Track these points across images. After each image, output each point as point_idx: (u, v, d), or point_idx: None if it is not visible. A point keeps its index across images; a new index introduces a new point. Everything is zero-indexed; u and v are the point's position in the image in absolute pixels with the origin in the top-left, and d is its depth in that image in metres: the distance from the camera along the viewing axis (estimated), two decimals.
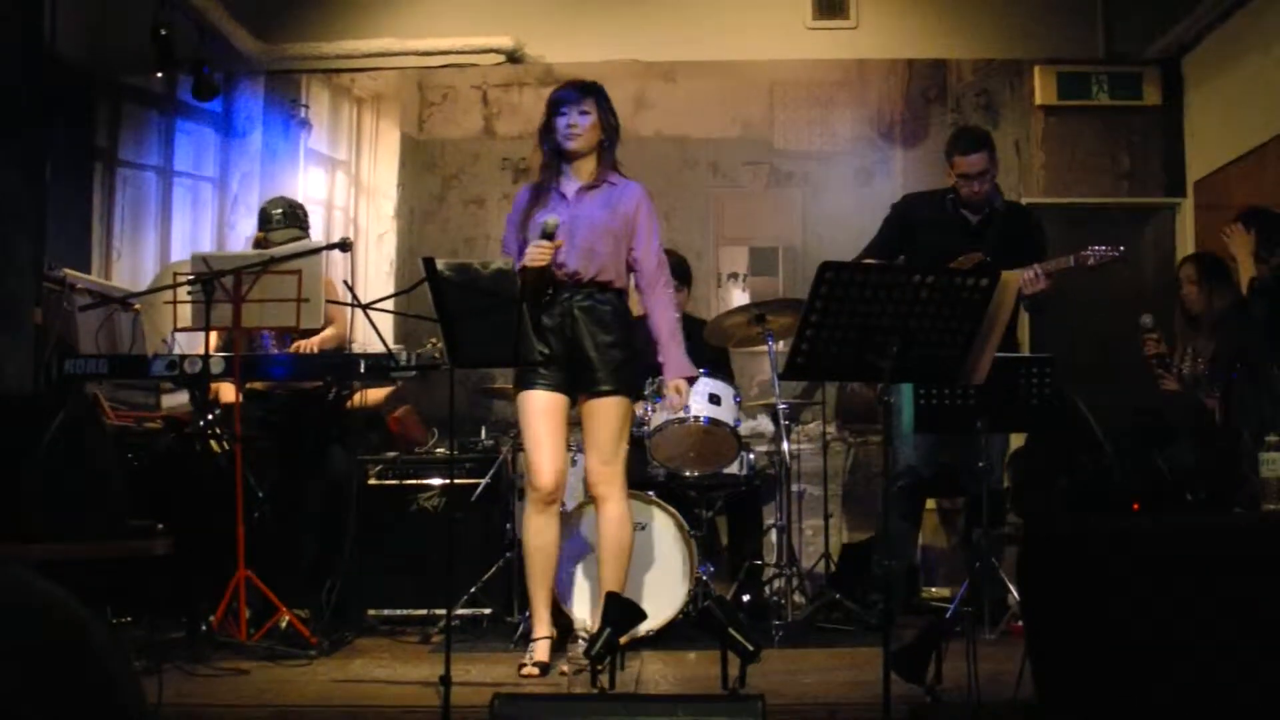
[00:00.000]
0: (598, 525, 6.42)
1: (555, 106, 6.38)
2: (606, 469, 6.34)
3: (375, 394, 8.37)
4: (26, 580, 1.93)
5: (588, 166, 6.40)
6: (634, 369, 6.51)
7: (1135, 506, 5.13)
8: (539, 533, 6.33)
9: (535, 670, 6.11)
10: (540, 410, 6.28)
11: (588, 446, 6.38)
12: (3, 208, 7.12)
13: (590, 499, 6.52)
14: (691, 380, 6.58)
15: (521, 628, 6.96)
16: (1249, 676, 3.93)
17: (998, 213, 7.74)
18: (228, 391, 7.38)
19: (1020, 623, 6.75)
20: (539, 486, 6.29)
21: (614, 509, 6.36)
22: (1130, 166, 9.81)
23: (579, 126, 6.30)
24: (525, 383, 6.33)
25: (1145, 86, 9.88)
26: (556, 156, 6.41)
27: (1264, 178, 8.46)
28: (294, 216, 7.98)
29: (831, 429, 8.93)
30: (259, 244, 7.82)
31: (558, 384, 6.31)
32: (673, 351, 6.41)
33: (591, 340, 6.27)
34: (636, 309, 6.54)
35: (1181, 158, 9.90)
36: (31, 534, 5.05)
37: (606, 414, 6.30)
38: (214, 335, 7.09)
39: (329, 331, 7.69)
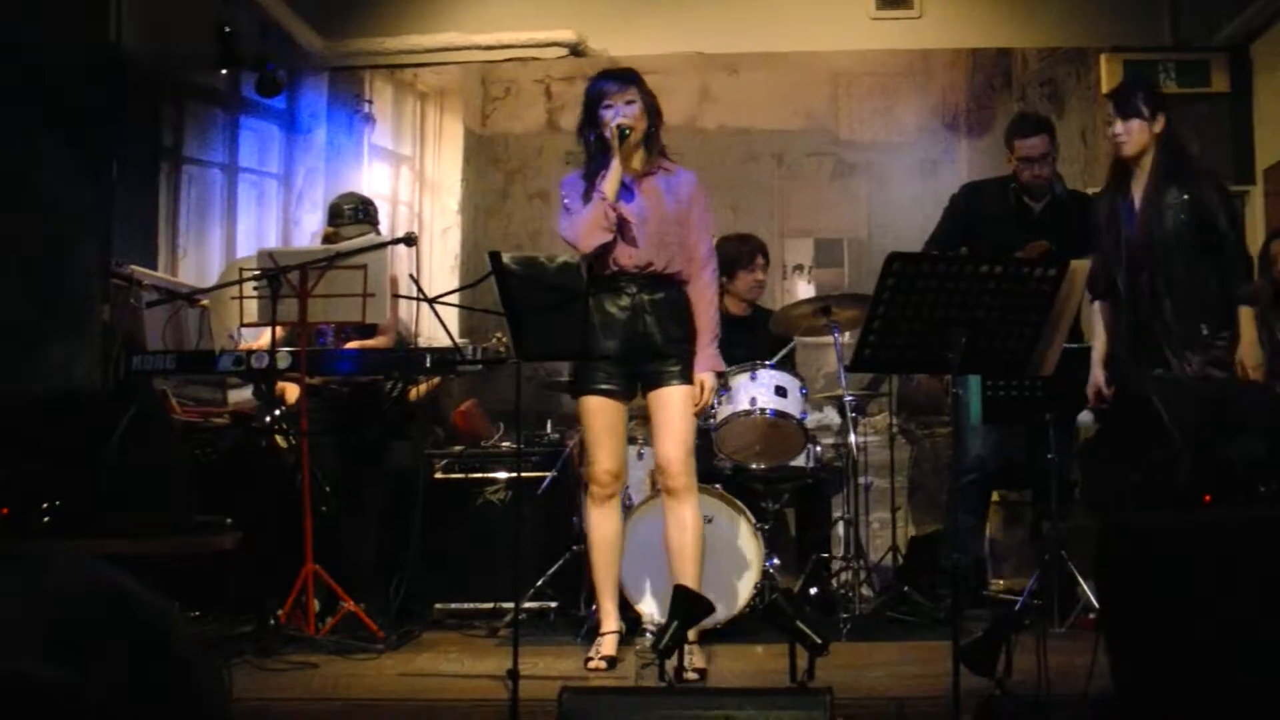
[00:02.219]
0: (668, 520, 6.28)
1: (598, 100, 6.26)
2: (685, 459, 6.21)
3: (421, 387, 8.36)
4: (110, 576, 1.94)
5: (638, 155, 6.29)
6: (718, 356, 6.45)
7: (1206, 499, 5.06)
8: (600, 525, 6.30)
9: (603, 664, 6.09)
10: (599, 412, 6.24)
11: (662, 436, 6.25)
12: (70, 207, 7.16)
13: (657, 493, 6.49)
14: (721, 375, 6.50)
15: (588, 622, 6.94)
16: None
17: (1060, 201, 7.70)
18: (291, 390, 7.40)
19: (1091, 616, 6.73)
20: (598, 479, 6.25)
21: (690, 504, 6.24)
22: (1198, 155, 9.73)
23: (630, 117, 6.19)
24: (585, 387, 6.25)
25: (1213, 73, 9.78)
26: (604, 150, 6.28)
27: None
28: (365, 212, 8.00)
29: (897, 421, 8.89)
30: (328, 239, 7.84)
31: (619, 388, 6.24)
32: (707, 346, 6.32)
33: (663, 335, 6.20)
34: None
35: (1251, 145, 9.79)
36: (102, 531, 5.07)
37: (681, 401, 6.21)
38: (277, 330, 7.11)
39: (378, 341, 7.69)
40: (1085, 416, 7.67)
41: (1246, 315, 6.13)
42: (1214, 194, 6.33)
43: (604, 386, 6.21)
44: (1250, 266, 6.43)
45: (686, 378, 6.25)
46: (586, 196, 6.22)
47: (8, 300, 6.76)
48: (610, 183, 6.10)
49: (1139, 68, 9.74)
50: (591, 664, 6.10)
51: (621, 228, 6.15)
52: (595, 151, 6.31)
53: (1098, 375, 6.79)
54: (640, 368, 6.24)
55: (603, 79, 6.36)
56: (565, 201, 6.35)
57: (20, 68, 6.71)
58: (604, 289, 6.21)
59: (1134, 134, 6.40)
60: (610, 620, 6.30)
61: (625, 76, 6.32)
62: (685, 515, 6.21)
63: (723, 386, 7.10)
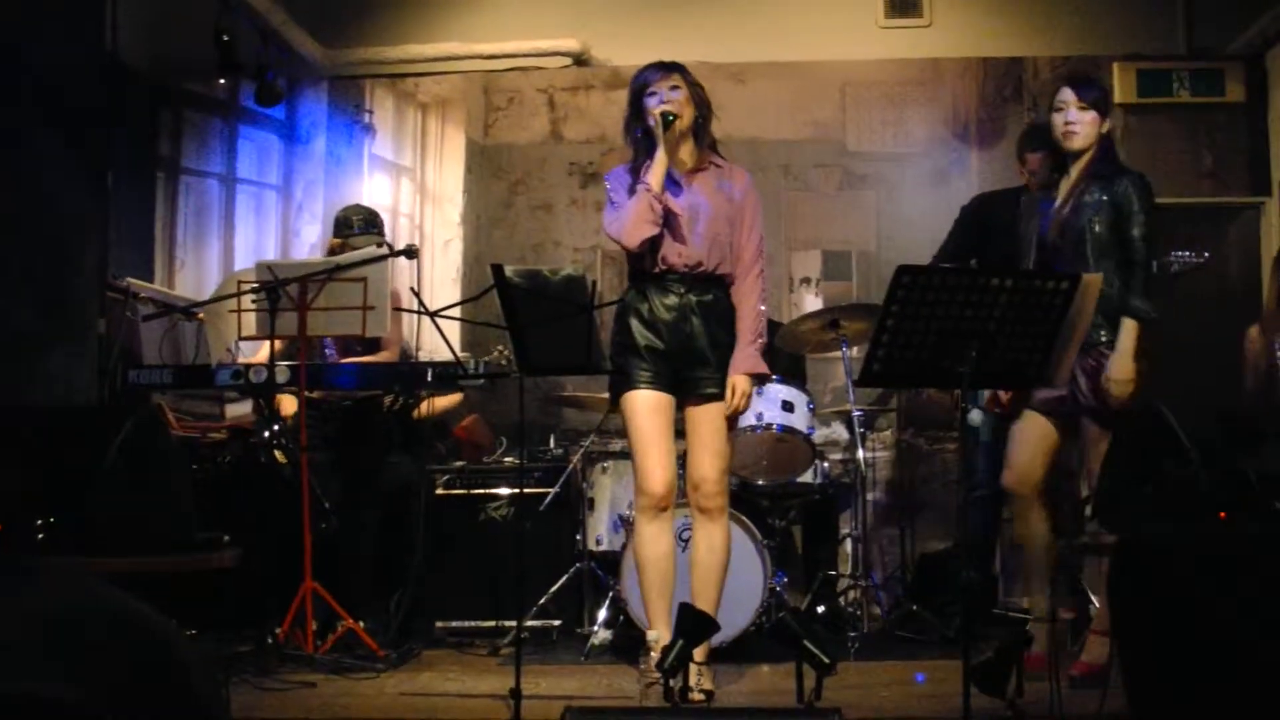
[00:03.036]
0: (697, 539, 6.07)
1: (642, 91, 6.06)
2: (721, 478, 6.01)
3: (443, 402, 8.29)
4: (108, 593, 1.96)
5: (686, 148, 6.08)
6: None
7: (1222, 515, 4.98)
8: (653, 541, 6.01)
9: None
10: (650, 410, 5.97)
11: (700, 453, 6.02)
12: (66, 217, 7.09)
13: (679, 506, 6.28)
14: (760, 380, 6.21)
15: (592, 641, 6.97)
16: None
17: None
18: (288, 403, 7.35)
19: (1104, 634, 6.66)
20: (650, 491, 5.96)
21: (722, 525, 6.03)
22: (1213, 165, 9.62)
23: (674, 102, 5.96)
24: (629, 383, 5.99)
25: (1228, 83, 9.71)
26: (650, 143, 6.06)
27: None
28: (373, 224, 7.93)
29: (905, 436, 8.81)
30: (334, 250, 7.76)
31: (665, 383, 5.99)
32: (747, 347, 6.05)
33: (710, 339, 5.99)
34: None
35: (1266, 156, 9.71)
36: (99, 547, 5.01)
37: (722, 417, 6.02)
38: (276, 344, 7.05)
39: (382, 356, 7.62)
40: (975, 415, 7.64)
41: (1130, 327, 5.98)
42: (1135, 201, 6.20)
43: (648, 383, 5.97)
44: (1149, 279, 6.29)
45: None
46: (632, 191, 6.02)
47: (7, 307, 6.69)
48: (656, 172, 5.91)
49: (1153, 77, 9.67)
50: (648, 683, 5.78)
51: (669, 223, 5.95)
52: (642, 147, 6.11)
53: None
54: (684, 372, 6.00)
55: (646, 69, 6.14)
56: (611, 195, 6.14)
57: (17, 67, 6.64)
58: (651, 287, 6.04)
59: (1087, 126, 6.29)
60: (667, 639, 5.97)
61: (669, 65, 6.11)
62: (716, 536, 6.03)
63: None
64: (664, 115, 5.90)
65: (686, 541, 6.46)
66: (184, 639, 2.00)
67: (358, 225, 7.86)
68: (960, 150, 9.88)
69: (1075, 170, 6.29)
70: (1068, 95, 6.30)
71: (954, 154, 9.93)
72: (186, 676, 2.00)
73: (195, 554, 5.55)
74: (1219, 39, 9.79)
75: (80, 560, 4.90)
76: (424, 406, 7.96)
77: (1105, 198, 6.15)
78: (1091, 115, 6.26)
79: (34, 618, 1.86)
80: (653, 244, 5.95)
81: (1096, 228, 6.11)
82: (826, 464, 7.70)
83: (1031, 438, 6.26)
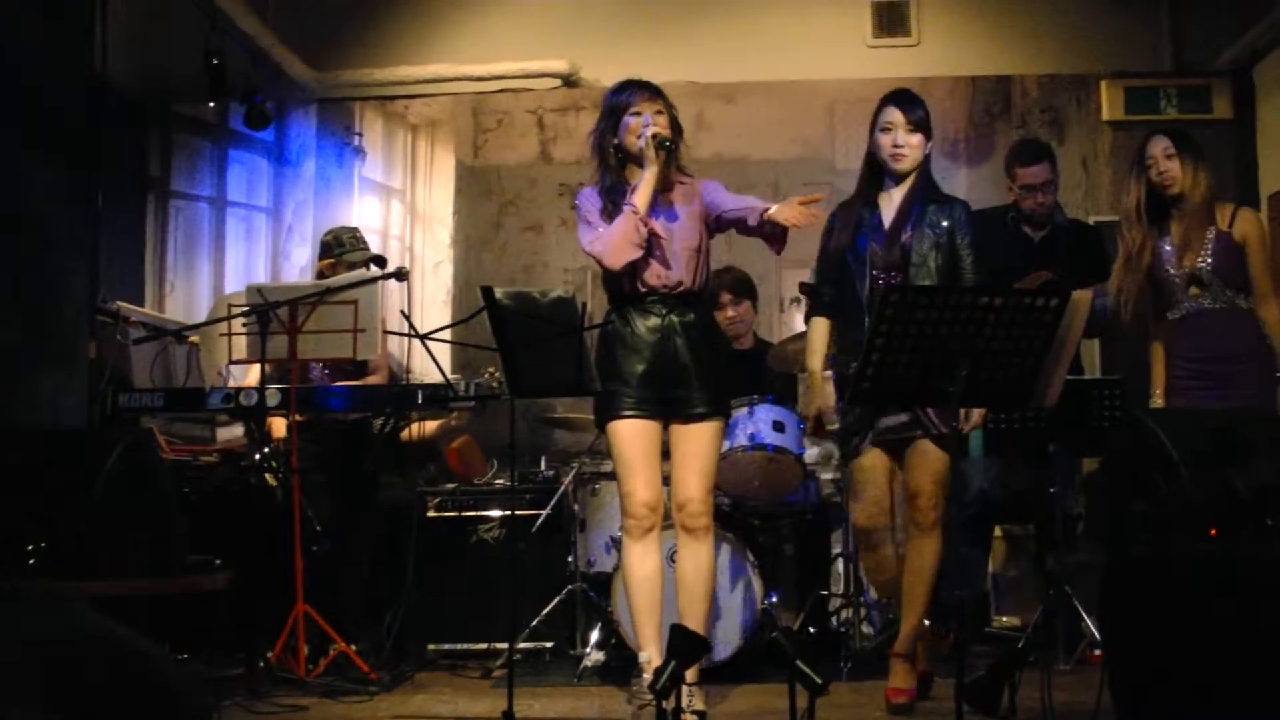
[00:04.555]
0: (682, 558, 6.06)
1: (623, 109, 6.06)
2: (706, 498, 6.00)
3: (429, 425, 8.28)
4: (90, 618, 1.96)
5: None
6: (728, 389, 6.27)
7: (1213, 532, 4.98)
8: (640, 563, 6.00)
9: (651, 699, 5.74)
10: (633, 436, 5.97)
11: (685, 473, 6.02)
12: (56, 240, 7.08)
13: (666, 527, 6.28)
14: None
15: (584, 663, 7.00)
16: None
17: (1061, 230, 7.64)
18: (278, 426, 7.35)
19: (1096, 651, 6.66)
20: (635, 513, 5.97)
21: (708, 544, 6.03)
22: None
23: (663, 128, 5.97)
24: (613, 411, 5.99)
25: (1215, 99, 9.72)
26: (623, 162, 6.10)
27: None
28: (361, 241, 7.97)
29: None
30: (324, 273, 7.78)
31: (650, 410, 5.98)
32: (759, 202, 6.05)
33: (694, 358, 5.98)
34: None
35: (1254, 171, 9.72)
36: (92, 571, 5.01)
37: (709, 438, 6.02)
38: (267, 367, 7.05)
39: (370, 380, 7.64)
40: (814, 451, 7.63)
41: None
42: (968, 229, 6.22)
43: (633, 411, 5.98)
44: None
45: (714, 411, 6.05)
46: (607, 211, 6.03)
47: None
48: (643, 195, 5.88)
49: (1140, 94, 9.69)
50: (640, 706, 5.72)
51: (650, 245, 5.95)
52: (614, 164, 6.11)
53: (828, 395, 6.54)
54: (668, 393, 5.99)
55: (629, 86, 6.14)
56: (585, 216, 6.12)
57: (6, 88, 6.64)
58: (632, 310, 6.04)
59: (914, 149, 6.28)
60: (658, 660, 5.76)
61: (652, 87, 6.12)
62: (702, 555, 6.01)
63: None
64: (660, 140, 5.89)
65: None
66: (172, 663, 2.00)
67: (348, 242, 7.90)
68: (949, 168, 9.87)
69: (900, 193, 6.28)
70: (896, 116, 6.27)
71: (942, 172, 9.86)
72: (174, 700, 1.99)
73: (186, 577, 5.56)
74: (1205, 55, 9.81)
75: (71, 584, 4.90)
76: (412, 430, 7.96)
77: (946, 224, 6.16)
78: (919, 138, 6.26)
79: (15, 642, 1.86)
80: (633, 266, 5.94)
81: (937, 254, 6.12)
82: (817, 483, 7.68)
83: (881, 473, 6.23)
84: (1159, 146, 6.63)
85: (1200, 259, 6.49)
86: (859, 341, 5.53)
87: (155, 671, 1.99)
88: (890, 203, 6.27)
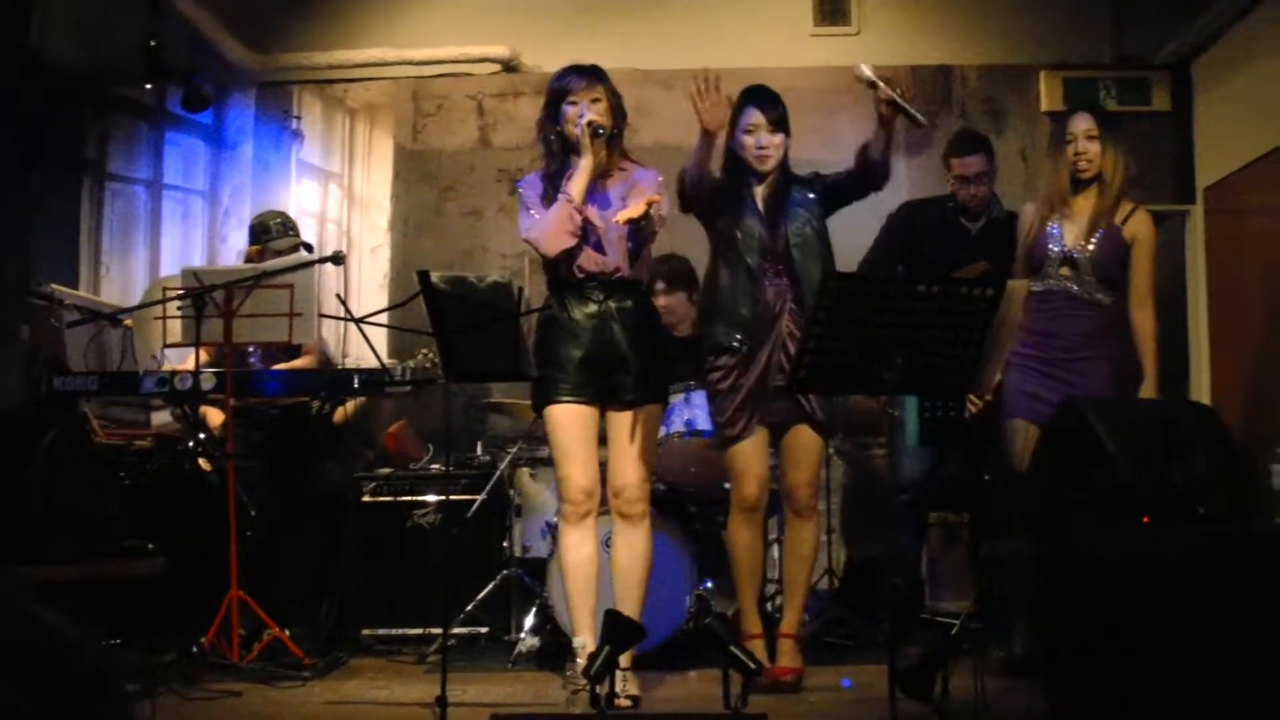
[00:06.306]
0: (618, 544, 6.13)
1: (563, 96, 6.09)
2: (643, 484, 6.08)
3: (354, 403, 8.24)
4: (8, 599, 1.94)
5: (601, 156, 6.05)
6: (666, 375, 6.32)
7: (1145, 520, 5.02)
8: (576, 548, 6.06)
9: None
10: (569, 421, 6.02)
11: (621, 459, 6.08)
12: None
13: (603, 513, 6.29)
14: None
15: (519, 648, 7.03)
16: (1268, 696, 3.86)
17: (998, 221, 7.65)
18: (214, 415, 7.32)
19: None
20: (572, 498, 6.02)
21: (644, 529, 6.09)
22: (1138, 173, 9.69)
23: (599, 115, 6.01)
24: (550, 396, 6.04)
25: (1154, 91, 9.76)
26: (566, 149, 6.13)
27: (1277, 182, 8.33)
28: (290, 226, 7.96)
29: (834, 442, 8.80)
30: (252, 258, 7.76)
31: (586, 395, 6.03)
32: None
33: (631, 345, 6.03)
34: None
35: (1191, 164, 9.76)
36: (26, 555, 4.99)
37: (646, 424, 6.06)
38: (202, 351, 7.02)
39: (302, 361, 7.61)
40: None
41: None
42: (820, 194, 6.40)
43: (569, 396, 6.02)
44: None
45: (651, 396, 6.10)
46: (547, 198, 6.07)
47: None
48: (579, 183, 5.94)
49: (1079, 85, 9.72)
50: (575, 691, 5.76)
51: (588, 231, 5.99)
52: (556, 150, 6.15)
53: None
54: (605, 378, 6.04)
55: (569, 74, 6.17)
56: (525, 201, 6.14)
57: None
58: (570, 295, 6.08)
59: (776, 149, 6.38)
60: (592, 645, 5.81)
61: (593, 73, 6.14)
62: (638, 541, 6.07)
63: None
64: (594, 127, 5.91)
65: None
66: (95, 646, 1.98)
67: (275, 229, 7.89)
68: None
69: (762, 189, 6.37)
70: (758, 118, 6.42)
71: None
72: (97, 686, 1.98)
73: (121, 562, 5.54)
74: (1145, 48, 9.85)
75: (3, 566, 4.88)
76: (343, 410, 7.94)
77: (812, 195, 6.30)
78: (780, 137, 6.39)
79: None
80: (569, 252, 5.98)
81: (811, 232, 6.26)
82: None
83: (763, 451, 6.35)
84: (1081, 125, 6.63)
85: (1087, 244, 6.50)
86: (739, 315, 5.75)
87: (76, 655, 1.97)
88: (757, 199, 6.36)
